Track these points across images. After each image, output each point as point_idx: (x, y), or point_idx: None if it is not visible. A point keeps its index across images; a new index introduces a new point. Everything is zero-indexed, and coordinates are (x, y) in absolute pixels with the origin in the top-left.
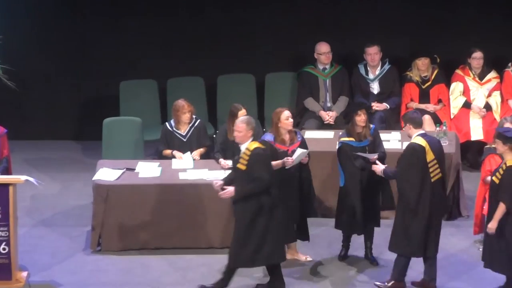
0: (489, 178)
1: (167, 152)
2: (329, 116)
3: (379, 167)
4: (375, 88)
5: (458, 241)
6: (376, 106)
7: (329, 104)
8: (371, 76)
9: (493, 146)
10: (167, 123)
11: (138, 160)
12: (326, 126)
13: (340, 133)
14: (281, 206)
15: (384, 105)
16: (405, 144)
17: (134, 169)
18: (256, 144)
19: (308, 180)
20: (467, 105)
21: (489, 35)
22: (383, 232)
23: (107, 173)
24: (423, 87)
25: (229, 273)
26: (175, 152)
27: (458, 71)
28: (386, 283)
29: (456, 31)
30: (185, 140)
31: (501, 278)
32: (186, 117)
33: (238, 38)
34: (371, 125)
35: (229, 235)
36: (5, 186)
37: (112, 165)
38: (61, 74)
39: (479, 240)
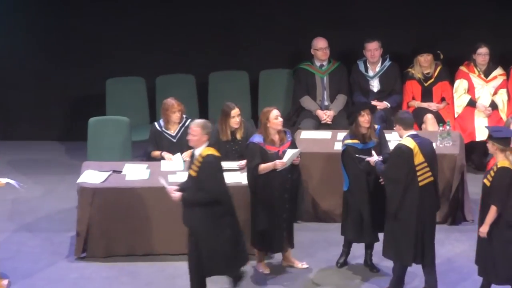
0: None
1: (156, 153)
2: (326, 116)
3: (373, 158)
4: (375, 85)
5: (462, 246)
6: (376, 104)
7: (326, 103)
8: (371, 73)
9: None
10: (156, 123)
11: (125, 162)
12: (323, 126)
13: (344, 135)
14: (232, 220)
15: (385, 104)
16: None
17: (121, 171)
18: (209, 151)
19: (298, 181)
20: (471, 103)
21: (495, 30)
22: (383, 238)
23: (92, 176)
24: (426, 84)
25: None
26: (165, 154)
27: (463, 68)
28: None
29: (460, 26)
30: (175, 140)
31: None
32: (176, 116)
33: (230, 33)
34: (376, 126)
35: None
36: None
37: (98, 167)
38: (45, 72)
39: None
